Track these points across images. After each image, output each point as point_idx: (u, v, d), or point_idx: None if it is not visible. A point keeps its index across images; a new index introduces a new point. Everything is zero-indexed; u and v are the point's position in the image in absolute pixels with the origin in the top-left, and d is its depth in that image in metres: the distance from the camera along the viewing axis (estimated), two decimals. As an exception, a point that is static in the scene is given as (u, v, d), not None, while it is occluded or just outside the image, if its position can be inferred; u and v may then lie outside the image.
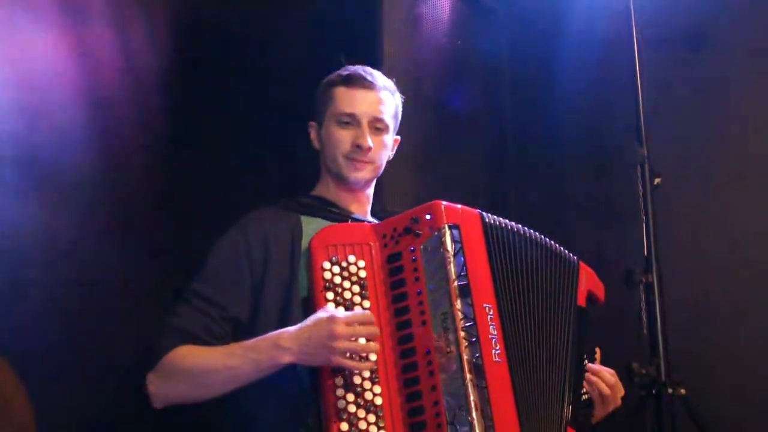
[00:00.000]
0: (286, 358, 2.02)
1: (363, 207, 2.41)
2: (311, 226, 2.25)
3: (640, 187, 2.79)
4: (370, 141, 2.30)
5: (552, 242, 2.30)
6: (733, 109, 3.09)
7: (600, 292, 2.38)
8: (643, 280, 2.73)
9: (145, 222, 2.68)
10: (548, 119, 3.50)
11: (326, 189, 2.39)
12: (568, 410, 2.16)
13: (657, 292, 2.72)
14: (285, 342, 2.02)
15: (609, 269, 3.03)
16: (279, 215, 2.29)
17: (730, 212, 3.06)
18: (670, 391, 2.64)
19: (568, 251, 2.32)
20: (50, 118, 2.43)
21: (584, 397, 2.26)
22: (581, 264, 2.33)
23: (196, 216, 2.75)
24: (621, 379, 2.55)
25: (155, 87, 2.73)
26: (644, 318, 2.71)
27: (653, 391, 2.65)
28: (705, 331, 3.03)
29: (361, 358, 2.01)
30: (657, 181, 2.80)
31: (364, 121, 2.30)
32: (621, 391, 2.31)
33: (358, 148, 2.29)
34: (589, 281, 2.34)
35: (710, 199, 3.10)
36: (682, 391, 2.65)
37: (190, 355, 2.09)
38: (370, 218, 2.40)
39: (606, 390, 2.27)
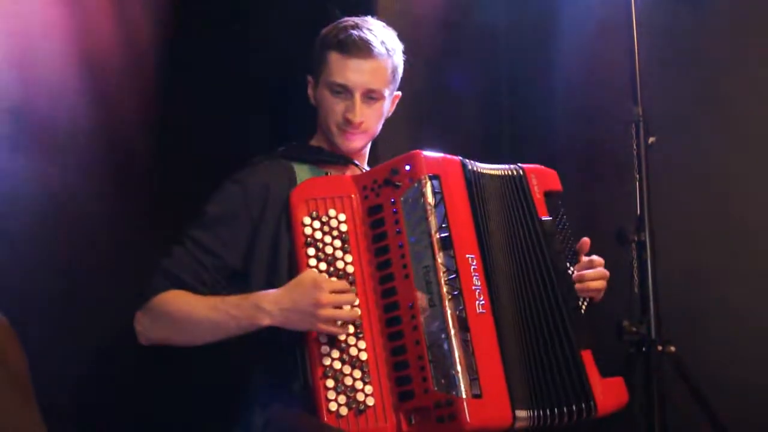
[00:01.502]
0: (266, 321, 2.03)
1: (361, 162, 2.39)
2: (305, 174, 2.25)
3: (635, 146, 2.78)
4: (360, 115, 2.25)
5: (509, 166, 2.25)
6: (730, 69, 3.06)
7: (554, 183, 2.31)
8: (636, 238, 2.73)
9: (140, 174, 2.70)
10: (543, 78, 3.48)
11: (323, 141, 2.37)
12: (574, 334, 2.14)
13: (649, 251, 2.72)
14: (266, 305, 2.02)
15: (601, 228, 3.03)
16: (276, 164, 2.28)
17: (724, 172, 3.04)
18: (660, 348, 2.65)
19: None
20: (43, 72, 2.43)
21: (583, 306, 2.25)
22: (525, 169, 2.27)
23: (191, 167, 2.76)
24: (611, 337, 2.56)
25: (149, 37, 2.73)
26: (635, 276, 2.71)
27: (643, 349, 2.66)
28: (696, 290, 3.02)
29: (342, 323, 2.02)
30: (651, 140, 2.79)
31: (357, 94, 2.25)
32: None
33: (348, 121, 2.26)
34: (540, 182, 2.27)
35: (705, 159, 3.08)
36: (672, 349, 2.65)
37: (176, 301, 2.11)
38: (367, 168, 2.37)
39: (596, 285, 2.27)
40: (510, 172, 2.26)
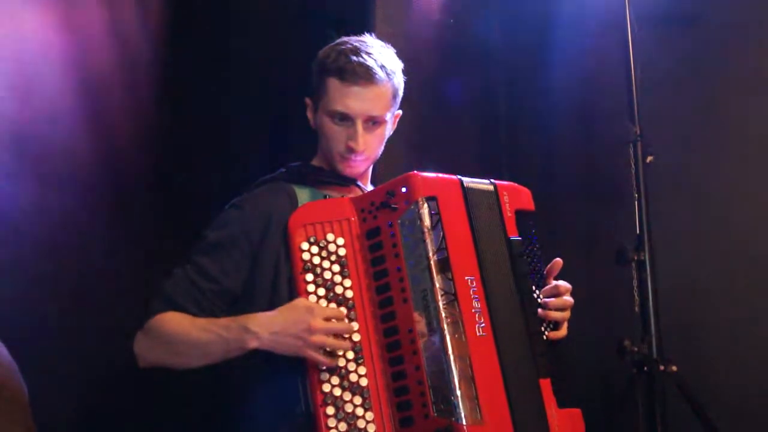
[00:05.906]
0: (253, 344, 1.99)
1: (363, 182, 2.35)
2: (306, 198, 2.23)
3: (633, 166, 2.79)
4: (362, 143, 2.20)
5: (484, 180, 2.20)
6: (725, 86, 3.07)
7: (526, 202, 2.24)
8: (635, 257, 2.74)
9: (139, 201, 2.69)
10: (540, 98, 3.49)
11: (324, 162, 2.32)
12: (538, 362, 2.09)
13: (649, 270, 2.72)
14: (254, 327, 1.99)
15: (601, 248, 3.04)
16: (278, 187, 2.25)
17: (722, 190, 3.05)
18: (661, 368, 2.65)
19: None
20: (41, 97, 2.42)
21: (546, 333, 2.18)
22: (498, 185, 2.20)
23: (189, 195, 2.76)
24: (613, 356, 2.54)
25: (147, 64, 2.73)
26: (636, 296, 2.72)
27: (645, 368, 2.66)
28: (696, 309, 3.02)
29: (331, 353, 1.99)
30: (649, 159, 2.80)
31: (358, 122, 2.19)
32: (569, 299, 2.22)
33: (350, 149, 2.21)
34: (512, 200, 2.20)
35: (703, 177, 3.09)
36: (674, 368, 2.66)
37: (171, 323, 2.09)
38: (370, 188, 2.34)
39: (557, 316, 2.18)
40: (487, 188, 2.20)
